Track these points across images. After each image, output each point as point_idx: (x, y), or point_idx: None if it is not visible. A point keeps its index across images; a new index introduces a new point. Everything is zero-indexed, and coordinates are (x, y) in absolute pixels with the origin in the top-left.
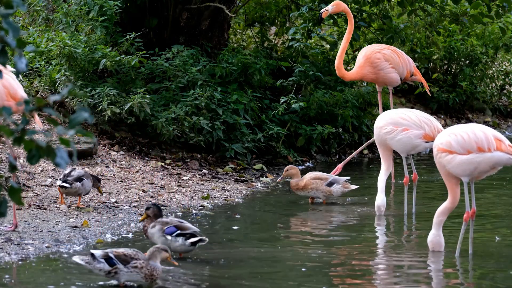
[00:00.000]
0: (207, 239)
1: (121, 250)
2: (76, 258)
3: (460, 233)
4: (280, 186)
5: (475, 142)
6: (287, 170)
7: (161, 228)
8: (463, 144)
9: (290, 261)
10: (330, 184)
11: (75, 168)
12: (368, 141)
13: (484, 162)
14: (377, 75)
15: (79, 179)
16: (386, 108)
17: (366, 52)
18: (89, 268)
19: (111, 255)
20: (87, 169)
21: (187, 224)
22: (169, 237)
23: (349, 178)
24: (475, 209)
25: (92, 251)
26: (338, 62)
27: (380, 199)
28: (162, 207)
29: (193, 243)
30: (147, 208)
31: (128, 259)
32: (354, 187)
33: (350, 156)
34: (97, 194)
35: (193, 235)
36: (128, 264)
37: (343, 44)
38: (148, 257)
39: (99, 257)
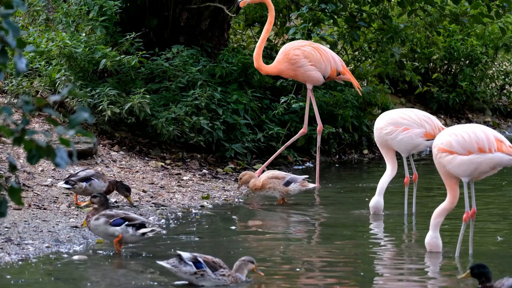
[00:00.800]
0: (158, 229)
1: (209, 257)
2: (162, 263)
3: (460, 233)
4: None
5: (476, 143)
6: (241, 178)
7: (106, 220)
8: (464, 144)
9: (289, 262)
10: (288, 183)
11: (86, 169)
12: (286, 143)
13: (485, 162)
14: (295, 71)
15: (86, 179)
16: (385, 108)
17: (286, 48)
18: (174, 271)
19: (200, 259)
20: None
21: (133, 215)
22: (118, 228)
23: (307, 176)
24: (475, 209)
25: (180, 252)
26: (257, 53)
27: (375, 201)
28: (162, 207)
29: (144, 234)
30: (94, 197)
31: (217, 267)
32: (312, 185)
33: (271, 158)
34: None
35: (142, 225)
36: (216, 271)
37: (263, 35)
38: (235, 269)
39: (187, 259)
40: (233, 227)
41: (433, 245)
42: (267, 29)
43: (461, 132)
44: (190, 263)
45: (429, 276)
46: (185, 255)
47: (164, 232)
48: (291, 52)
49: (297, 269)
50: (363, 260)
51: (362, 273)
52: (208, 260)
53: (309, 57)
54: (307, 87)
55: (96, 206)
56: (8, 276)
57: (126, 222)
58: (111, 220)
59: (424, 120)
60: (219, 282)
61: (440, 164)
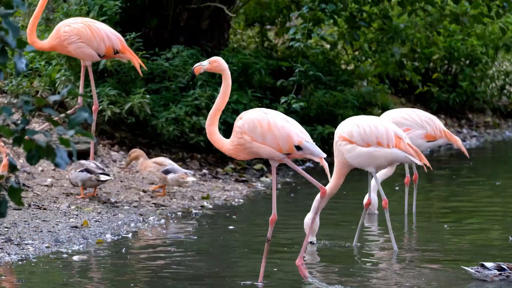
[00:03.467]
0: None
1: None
2: (467, 268)
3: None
4: (280, 186)
5: (376, 136)
6: (130, 154)
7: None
8: (364, 136)
9: (289, 261)
10: (167, 172)
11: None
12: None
13: (381, 157)
14: (67, 48)
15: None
16: (386, 108)
17: (59, 25)
18: (476, 276)
19: (503, 266)
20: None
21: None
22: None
23: (191, 172)
24: (386, 199)
25: (484, 263)
26: (30, 29)
27: (368, 197)
28: (162, 207)
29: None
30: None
31: None
32: (191, 179)
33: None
34: (97, 194)
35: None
36: None
37: (37, 11)
38: None
39: (491, 267)
40: (233, 227)
41: (308, 225)
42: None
43: (363, 124)
44: (494, 269)
45: (429, 275)
46: (489, 264)
47: (164, 232)
48: (62, 29)
49: (296, 268)
50: (363, 260)
51: (361, 273)
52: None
53: (79, 34)
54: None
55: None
56: (8, 276)
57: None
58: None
59: (425, 121)
60: None
61: (339, 151)
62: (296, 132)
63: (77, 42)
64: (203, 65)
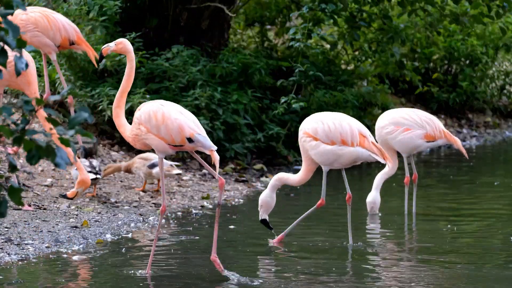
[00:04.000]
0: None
1: None
2: None
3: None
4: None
5: (340, 134)
6: (105, 170)
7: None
8: (329, 134)
9: (289, 261)
10: (152, 166)
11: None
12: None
13: (345, 155)
14: (23, 36)
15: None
16: (386, 108)
17: (16, 12)
18: None
19: None
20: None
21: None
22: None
23: (177, 163)
24: (350, 193)
25: None
26: None
27: (372, 196)
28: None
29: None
30: None
31: None
32: (177, 171)
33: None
34: (97, 194)
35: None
36: None
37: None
38: None
39: None
40: (233, 227)
41: (264, 202)
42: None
43: (328, 121)
44: None
45: (429, 276)
46: None
47: (164, 232)
48: (19, 17)
49: (295, 268)
50: (362, 259)
51: (360, 273)
52: None
53: (36, 24)
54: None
55: None
56: (8, 276)
57: None
58: None
59: (425, 121)
60: None
61: (303, 148)
62: (189, 125)
63: (33, 31)
64: (110, 47)
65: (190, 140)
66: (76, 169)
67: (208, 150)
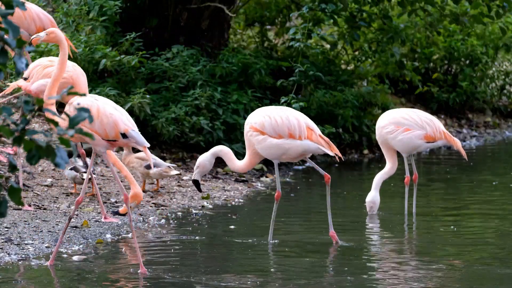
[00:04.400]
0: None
1: None
2: None
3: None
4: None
5: (288, 128)
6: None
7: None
8: (276, 128)
9: (289, 262)
10: (149, 166)
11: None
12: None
13: (293, 149)
14: None
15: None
16: (386, 108)
17: None
18: None
19: None
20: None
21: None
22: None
23: (174, 165)
24: (279, 192)
25: None
26: None
27: (371, 196)
28: (162, 207)
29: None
30: None
31: None
32: (175, 172)
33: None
34: (97, 194)
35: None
36: None
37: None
38: None
39: None
40: (233, 227)
41: (202, 164)
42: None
43: (275, 115)
44: None
45: (429, 275)
46: None
47: (164, 232)
48: None
49: (295, 268)
50: (362, 259)
51: (360, 273)
52: None
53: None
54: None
55: None
56: (8, 276)
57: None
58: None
59: (425, 122)
60: None
61: (250, 142)
62: (123, 120)
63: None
64: (41, 36)
65: (124, 135)
66: (71, 169)
67: (141, 147)
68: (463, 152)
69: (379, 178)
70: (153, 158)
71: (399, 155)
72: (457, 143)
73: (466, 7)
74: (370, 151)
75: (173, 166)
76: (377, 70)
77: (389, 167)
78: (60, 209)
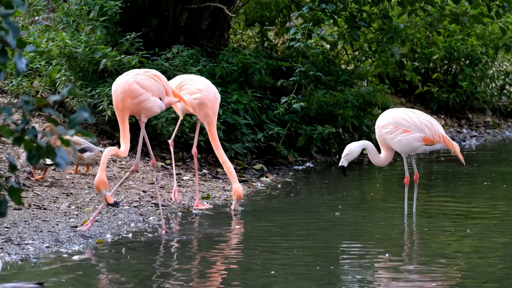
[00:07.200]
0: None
1: None
2: None
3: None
4: (280, 186)
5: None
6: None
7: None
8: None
9: (288, 262)
10: (83, 150)
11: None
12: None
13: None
14: None
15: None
16: (386, 108)
17: None
18: None
19: None
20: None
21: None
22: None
23: (103, 148)
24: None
25: None
26: None
27: (353, 145)
28: (162, 207)
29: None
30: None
31: None
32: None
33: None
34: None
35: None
36: None
37: None
38: None
39: None
40: (233, 227)
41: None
42: None
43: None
44: None
45: (429, 275)
46: None
47: (164, 232)
48: None
49: (295, 269)
50: (362, 259)
51: (360, 273)
52: None
53: None
54: None
55: None
56: (8, 276)
57: None
58: None
59: (425, 124)
60: None
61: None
62: None
63: None
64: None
65: None
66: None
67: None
68: (461, 157)
69: (372, 146)
70: (85, 143)
71: (399, 155)
72: (456, 148)
73: (466, 7)
74: None
75: (102, 150)
76: (377, 70)
77: (382, 157)
78: (60, 209)
